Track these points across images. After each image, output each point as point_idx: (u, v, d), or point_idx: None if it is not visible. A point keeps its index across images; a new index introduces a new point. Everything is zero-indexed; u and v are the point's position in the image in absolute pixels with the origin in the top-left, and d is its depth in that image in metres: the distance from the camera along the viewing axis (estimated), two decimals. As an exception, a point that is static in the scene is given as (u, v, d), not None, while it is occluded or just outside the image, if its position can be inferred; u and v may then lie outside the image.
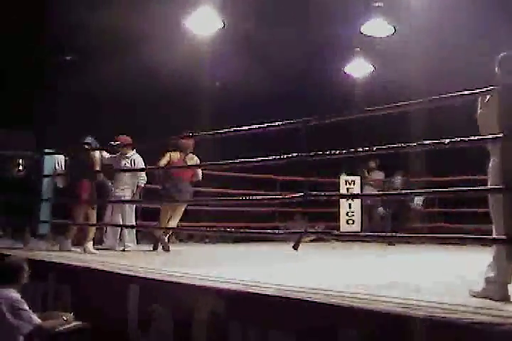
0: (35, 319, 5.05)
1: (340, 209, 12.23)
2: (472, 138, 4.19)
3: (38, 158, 8.84)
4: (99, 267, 6.25)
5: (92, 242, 8.18)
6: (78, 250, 8.05)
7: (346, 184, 12.15)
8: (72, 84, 13.89)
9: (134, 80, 12.93)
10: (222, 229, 8.93)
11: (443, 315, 3.38)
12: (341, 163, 11.49)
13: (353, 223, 12.18)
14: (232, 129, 5.98)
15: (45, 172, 8.53)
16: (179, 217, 8.67)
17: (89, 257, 7.37)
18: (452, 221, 11.39)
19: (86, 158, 8.16)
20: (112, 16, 11.55)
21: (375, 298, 3.97)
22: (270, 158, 5.61)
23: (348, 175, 12.44)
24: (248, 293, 4.43)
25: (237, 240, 11.90)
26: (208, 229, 9.50)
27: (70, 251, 7.98)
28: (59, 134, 8.66)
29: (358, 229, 11.99)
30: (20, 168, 8.98)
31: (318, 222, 12.37)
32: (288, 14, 10.84)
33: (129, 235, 8.49)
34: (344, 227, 12.14)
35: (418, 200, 11.55)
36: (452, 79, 8.27)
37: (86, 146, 8.18)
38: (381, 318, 3.50)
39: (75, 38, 13.63)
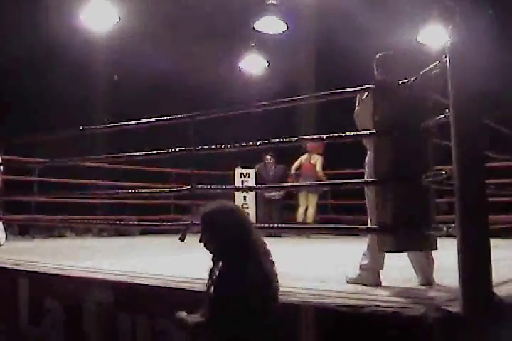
0: None
1: (235, 202, 12.43)
2: (348, 133, 4.46)
3: None
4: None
5: None
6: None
7: (241, 176, 12.35)
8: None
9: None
10: (112, 222, 8.99)
11: (315, 300, 3.62)
12: (237, 156, 11.65)
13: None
14: (123, 123, 6.05)
15: None
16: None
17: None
18: (344, 213, 11.73)
19: None
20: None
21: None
22: (158, 151, 5.73)
23: (243, 168, 12.60)
24: (133, 283, 4.56)
25: (141, 233, 12.01)
26: (102, 222, 9.51)
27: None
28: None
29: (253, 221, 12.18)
30: None
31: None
32: (183, 10, 10.90)
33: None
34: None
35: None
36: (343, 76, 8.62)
37: None
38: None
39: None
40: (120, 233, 12.27)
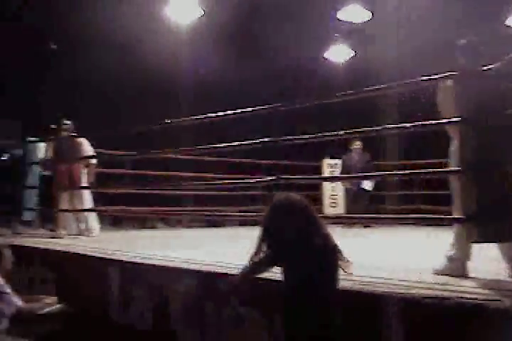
0: (16, 301, 5.21)
1: (324, 193, 12.41)
2: (431, 122, 4.36)
3: (23, 147, 8.92)
4: (81, 252, 6.40)
5: (61, 227, 8.29)
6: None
7: (329, 167, 12.31)
8: (56, 74, 14.02)
9: (115, 70, 13.00)
10: (206, 213, 9.09)
11: (400, 291, 3.58)
12: (325, 146, 11.56)
13: (336, 206, 12.37)
14: (210, 115, 6.11)
15: (32, 161, 8.61)
16: None
17: (72, 242, 7.51)
18: (431, 203, 11.47)
19: (70, 144, 8.30)
20: (93, 7, 11.66)
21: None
22: (243, 143, 5.76)
23: (331, 158, 12.55)
24: (218, 273, 4.59)
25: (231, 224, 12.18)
26: (192, 213, 9.63)
27: (59, 237, 8.07)
28: (44, 122, 8.70)
29: (342, 212, 12.14)
30: (5, 156, 9.10)
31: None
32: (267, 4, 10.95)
33: (91, 221, 8.52)
34: (328, 210, 12.32)
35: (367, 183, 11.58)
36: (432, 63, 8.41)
37: (67, 132, 8.28)
38: (352, 296, 3.68)
39: (58, 29, 13.70)
40: (210, 224, 12.47)
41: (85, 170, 8.45)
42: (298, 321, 3.35)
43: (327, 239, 3.49)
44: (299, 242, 3.43)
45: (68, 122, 8.36)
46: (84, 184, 8.36)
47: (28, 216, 8.98)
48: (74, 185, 8.28)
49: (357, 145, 11.32)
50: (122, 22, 11.46)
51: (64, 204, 8.29)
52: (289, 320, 3.44)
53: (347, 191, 11.63)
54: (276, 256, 3.52)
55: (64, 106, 11.03)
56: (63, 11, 13.04)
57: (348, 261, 3.50)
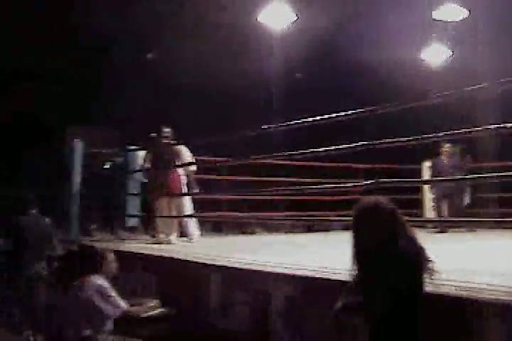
0: (122, 304, 5.39)
1: (424, 196, 12.13)
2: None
3: (124, 155, 9.21)
4: (183, 257, 6.54)
5: (175, 233, 8.46)
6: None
7: (429, 170, 12.01)
8: (153, 82, 14.40)
9: (211, 77, 13.20)
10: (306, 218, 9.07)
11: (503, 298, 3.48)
12: (424, 149, 11.30)
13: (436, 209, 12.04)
14: (303, 120, 6.12)
15: (131, 168, 8.88)
16: None
17: (173, 247, 7.68)
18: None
19: (170, 151, 8.51)
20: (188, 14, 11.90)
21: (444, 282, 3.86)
22: (340, 147, 5.73)
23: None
24: (322, 279, 4.57)
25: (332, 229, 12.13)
26: (292, 218, 9.61)
27: (160, 243, 8.27)
28: (138, 130, 8.96)
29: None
30: (107, 165, 9.41)
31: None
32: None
33: (191, 227, 8.63)
34: (429, 214, 12.02)
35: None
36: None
37: (167, 139, 8.48)
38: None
39: (155, 37, 14.05)
40: (308, 229, 12.45)
41: (185, 177, 8.61)
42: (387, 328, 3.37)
43: (413, 242, 3.51)
44: (384, 246, 3.46)
45: (167, 130, 8.54)
46: (184, 190, 8.52)
47: (131, 222, 9.26)
48: (172, 192, 8.49)
49: (446, 148, 11.04)
50: (217, 29, 11.67)
51: (164, 211, 8.50)
52: (379, 328, 3.43)
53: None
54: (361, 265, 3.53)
55: (162, 115, 11.28)
56: (159, 20, 13.38)
57: (433, 265, 3.47)
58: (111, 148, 9.97)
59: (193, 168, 8.66)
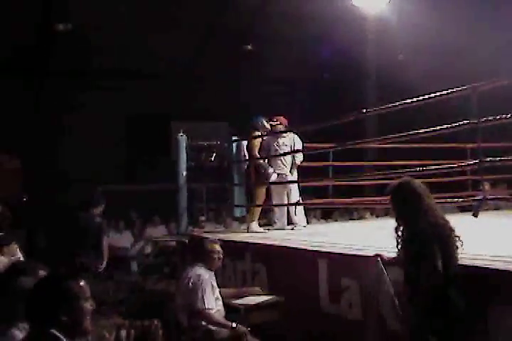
0: (202, 304, 5.39)
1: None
2: None
3: (228, 146, 9.32)
4: (290, 244, 6.58)
5: (255, 222, 8.48)
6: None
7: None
8: (255, 73, 14.53)
9: (307, 63, 13.16)
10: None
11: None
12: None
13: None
14: (404, 102, 6.00)
15: (237, 159, 8.96)
16: None
17: (281, 235, 7.71)
18: None
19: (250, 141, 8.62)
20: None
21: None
22: (442, 127, 5.58)
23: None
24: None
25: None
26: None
27: (256, 232, 8.33)
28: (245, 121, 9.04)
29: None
30: (213, 157, 9.56)
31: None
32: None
33: (297, 214, 8.57)
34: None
35: None
36: None
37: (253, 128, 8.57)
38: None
39: (253, 29, 14.15)
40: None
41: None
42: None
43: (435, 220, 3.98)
44: (410, 222, 4.06)
45: (263, 120, 8.58)
46: (292, 178, 8.56)
47: (238, 212, 9.39)
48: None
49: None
50: (312, 15, 11.61)
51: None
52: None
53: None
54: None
55: (265, 105, 11.38)
56: (257, 11, 13.48)
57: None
58: (217, 140, 10.13)
59: (300, 157, 8.68)
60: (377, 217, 12.59)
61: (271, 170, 8.40)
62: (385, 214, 11.90)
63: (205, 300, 5.36)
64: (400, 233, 4.11)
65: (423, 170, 6.18)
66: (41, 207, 13.11)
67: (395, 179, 9.61)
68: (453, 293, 3.87)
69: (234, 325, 5.26)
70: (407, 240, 4.04)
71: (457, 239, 3.98)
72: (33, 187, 13.85)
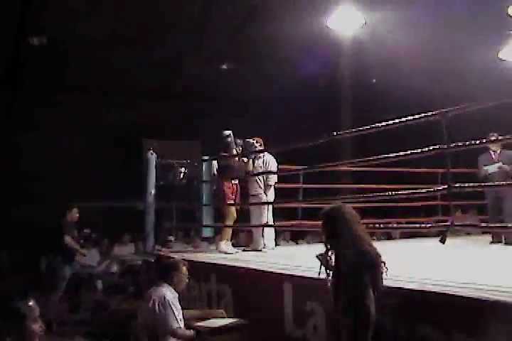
0: (175, 323, 5.33)
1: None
2: None
3: (197, 165, 9.27)
4: (256, 266, 6.50)
5: (225, 241, 8.44)
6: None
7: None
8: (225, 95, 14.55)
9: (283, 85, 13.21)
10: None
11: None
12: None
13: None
14: (372, 126, 6.01)
15: (204, 178, 8.93)
16: None
17: (247, 257, 7.67)
18: None
19: (240, 160, 8.58)
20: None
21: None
22: (414, 151, 5.57)
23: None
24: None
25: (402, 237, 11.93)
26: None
27: (225, 252, 8.28)
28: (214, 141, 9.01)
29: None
30: (182, 175, 9.50)
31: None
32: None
33: (265, 236, 8.56)
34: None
35: None
36: None
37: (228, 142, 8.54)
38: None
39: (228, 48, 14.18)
40: (388, 237, 12.24)
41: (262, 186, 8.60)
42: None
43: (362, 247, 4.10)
44: (338, 248, 4.17)
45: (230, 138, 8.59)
46: (265, 199, 8.52)
47: (206, 232, 9.32)
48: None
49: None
50: (286, 36, 11.67)
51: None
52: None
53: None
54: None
55: (241, 124, 11.35)
56: (231, 32, 13.52)
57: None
58: (187, 159, 10.05)
59: (274, 178, 8.67)
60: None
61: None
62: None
63: (177, 318, 5.33)
64: (328, 259, 4.22)
65: (394, 194, 6.19)
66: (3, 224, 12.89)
67: (368, 202, 9.78)
68: (382, 314, 4.02)
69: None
70: (336, 266, 4.16)
71: (383, 264, 4.10)
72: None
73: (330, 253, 4.20)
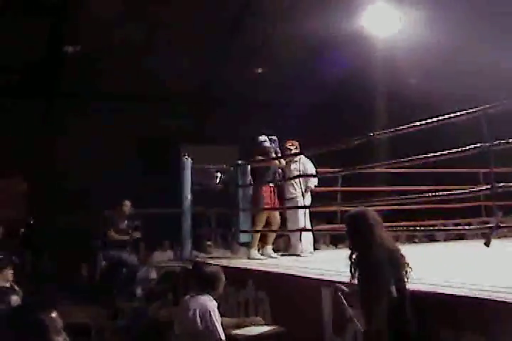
0: (220, 333, 5.22)
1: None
2: None
3: (234, 170, 9.19)
4: (294, 272, 6.37)
5: (255, 248, 8.35)
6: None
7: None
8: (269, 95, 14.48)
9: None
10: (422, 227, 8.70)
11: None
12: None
13: None
14: (409, 125, 5.86)
15: (241, 183, 8.85)
16: None
17: (285, 262, 7.54)
18: None
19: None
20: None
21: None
22: (455, 150, 5.39)
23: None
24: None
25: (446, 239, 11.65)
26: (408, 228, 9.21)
27: (255, 259, 8.17)
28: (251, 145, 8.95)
29: None
30: (217, 180, 9.42)
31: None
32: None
33: (303, 240, 8.40)
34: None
35: None
36: None
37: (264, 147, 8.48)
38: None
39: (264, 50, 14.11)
40: (432, 239, 11.95)
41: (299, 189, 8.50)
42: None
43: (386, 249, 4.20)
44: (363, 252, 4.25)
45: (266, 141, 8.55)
46: (302, 203, 8.41)
47: (244, 238, 9.17)
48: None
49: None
50: (318, 35, 11.56)
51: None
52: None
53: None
54: None
55: (277, 128, 11.27)
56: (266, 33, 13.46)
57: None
58: (223, 164, 9.97)
59: (314, 181, 8.57)
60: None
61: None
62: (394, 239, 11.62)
63: (220, 330, 5.19)
64: (353, 261, 4.29)
65: (434, 195, 6.01)
66: (47, 230, 13.01)
67: (407, 205, 9.57)
68: (405, 315, 4.08)
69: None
70: (361, 267, 4.23)
71: (407, 265, 4.21)
72: (39, 210, 13.74)
73: (354, 255, 4.30)
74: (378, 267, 4.07)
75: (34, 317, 2.56)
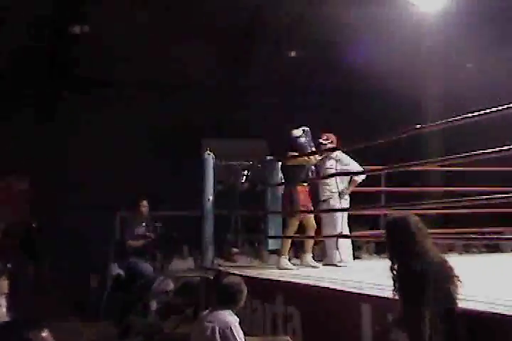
0: None
1: None
2: None
3: (262, 167, 9.12)
4: (327, 285, 6.30)
5: (285, 256, 8.27)
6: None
7: None
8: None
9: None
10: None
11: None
12: None
13: None
14: (465, 116, 5.71)
15: (270, 182, 8.78)
16: None
17: (317, 274, 7.46)
18: None
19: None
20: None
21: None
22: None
23: None
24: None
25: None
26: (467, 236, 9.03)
27: (285, 268, 8.09)
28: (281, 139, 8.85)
29: None
30: (244, 179, 9.33)
31: None
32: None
33: (340, 248, 8.35)
34: None
35: None
36: None
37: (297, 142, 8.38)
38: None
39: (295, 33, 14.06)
40: (496, 249, 11.70)
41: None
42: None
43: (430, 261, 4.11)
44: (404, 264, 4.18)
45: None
46: (338, 206, 8.32)
47: (273, 245, 9.08)
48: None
49: None
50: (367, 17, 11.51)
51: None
52: None
53: None
54: None
55: (311, 120, 11.20)
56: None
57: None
58: (250, 160, 9.88)
59: (358, 178, 8.49)
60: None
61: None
62: (450, 248, 11.47)
63: None
64: (394, 273, 4.24)
65: (490, 198, 5.89)
66: (52, 235, 13.07)
67: (459, 208, 9.41)
68: (456, 339, 4.00)
69: None
70: (401, 281, 4.19)
71: (456, 278, 4.13)
72: (42, 212, 13.78)
73: (395, 265, 4.24)
74: (420, 281, 4.00)
75: (19, 336, 2.50)
